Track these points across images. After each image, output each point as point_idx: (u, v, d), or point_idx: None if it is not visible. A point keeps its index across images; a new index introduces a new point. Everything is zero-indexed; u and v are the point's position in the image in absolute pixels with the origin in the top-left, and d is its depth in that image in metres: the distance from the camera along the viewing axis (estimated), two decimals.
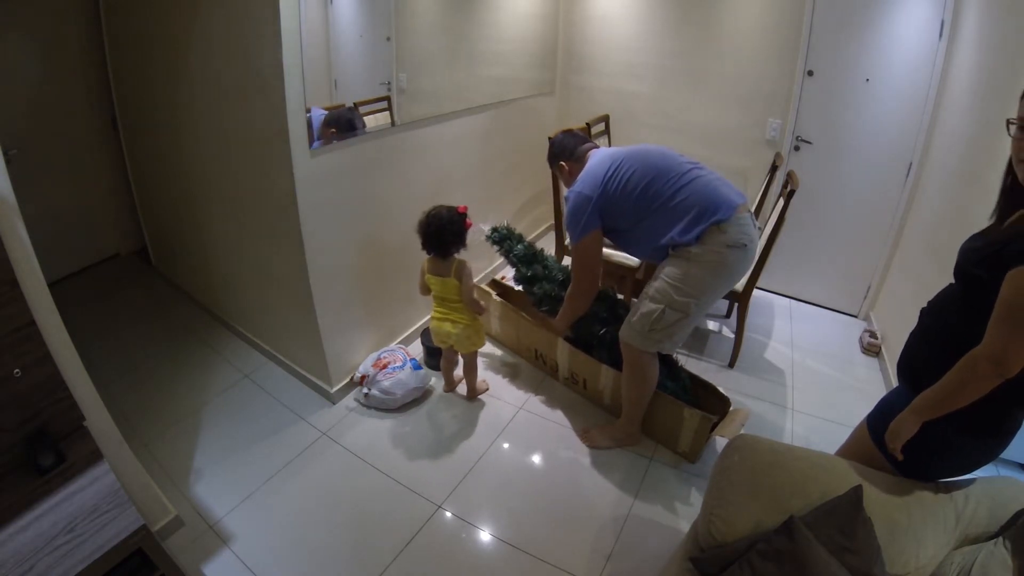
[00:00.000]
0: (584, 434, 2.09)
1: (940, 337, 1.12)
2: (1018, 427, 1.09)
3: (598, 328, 2.11)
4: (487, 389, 2.34)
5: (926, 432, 1.08)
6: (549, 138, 2.07)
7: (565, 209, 1.87)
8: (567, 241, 2.01)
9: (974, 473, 1.19)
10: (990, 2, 2.11)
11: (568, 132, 2.06)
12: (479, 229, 2.18)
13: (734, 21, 2.93)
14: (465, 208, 1.96)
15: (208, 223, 2.49)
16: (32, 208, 1.32)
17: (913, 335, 1.21)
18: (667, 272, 1.73)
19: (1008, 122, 0.99)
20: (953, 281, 1.13)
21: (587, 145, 1.96)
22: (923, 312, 1.20)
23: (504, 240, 2.30)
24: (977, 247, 1.06)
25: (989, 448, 1.12)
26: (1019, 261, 0.91)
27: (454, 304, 2.03)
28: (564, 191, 2.10)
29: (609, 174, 1.76)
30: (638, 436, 2.06)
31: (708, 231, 1.65)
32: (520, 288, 2.33)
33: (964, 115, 2.21)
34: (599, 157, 1.85)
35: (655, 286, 1.75)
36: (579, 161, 1.92)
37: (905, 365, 1.21)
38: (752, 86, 2.95)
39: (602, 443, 2.04)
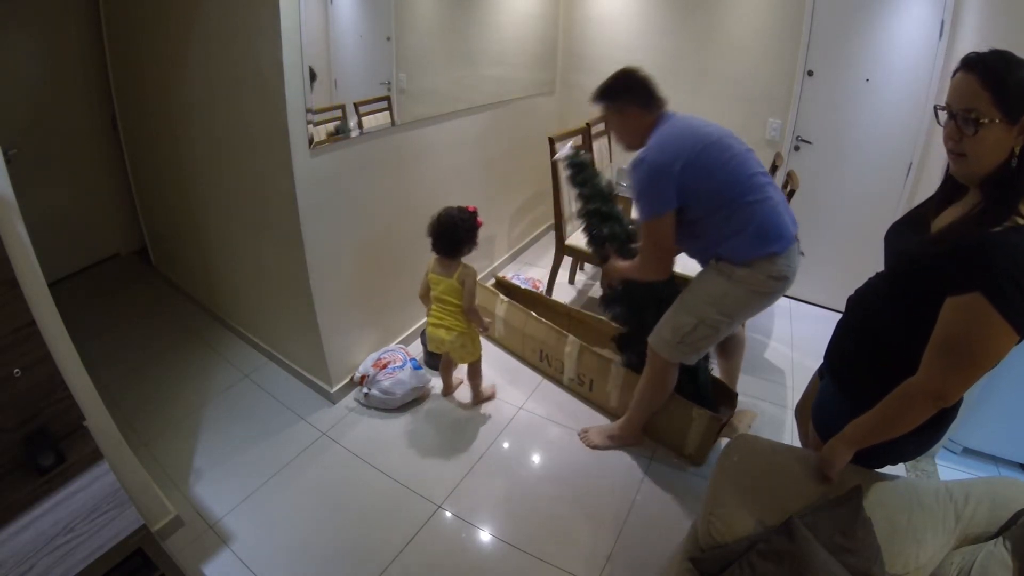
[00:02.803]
0: (583, 434, 2.08)
1: (865, 331, 1.10)
2: (953, 417, 1.07)
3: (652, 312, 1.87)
4: (493, 396, 2.29)
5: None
6: (620, 72, 1.66)
7: (632, 173, 1.55)
8: (634, 215, 1.69)
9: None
10: (990, 2, 2.11)
11: (642, 73, 1.66)
12: (561, 150, 2.01)
13: (734, 21, 2.93)
14: (475, 208, 1.97)
15: (208, 223, 2.49)
16: (32, 208, 1.32)
17: (839, 326, 1.19)
18: (706, 287, 1.65)
19: (936, 108, 0.92)
20: (881, 271, 1.09)
21: (662, 101, 1.63)
22: (849, 301, 1.17)
23: (584, 167, 2.02)
24: (911, 251, 1.00)
25: (930, 437, 1.11)
26: (958, 288, 0.85)
27: (451, 308, 1.98)
28: (621, 158, 1.87)
29: (696, 151, 1.50)
30: (639, 437, 2.05)
31: (760, 258, 1.56)
32: (585, 232, 2.07)
33: None
34: (682, 126, 1.58)
35: (691, 299, 1.68)
36: (651, 114, 1.61)
37: (831, 357, 1.20)
38: (752, 86, 2.95)
39: (600, 443, 2.04)
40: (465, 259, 1.99)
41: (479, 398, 2.25)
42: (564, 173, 2.07)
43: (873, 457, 1.15)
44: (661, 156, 1.50)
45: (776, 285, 1.60)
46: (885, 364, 1.01)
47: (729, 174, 1.52)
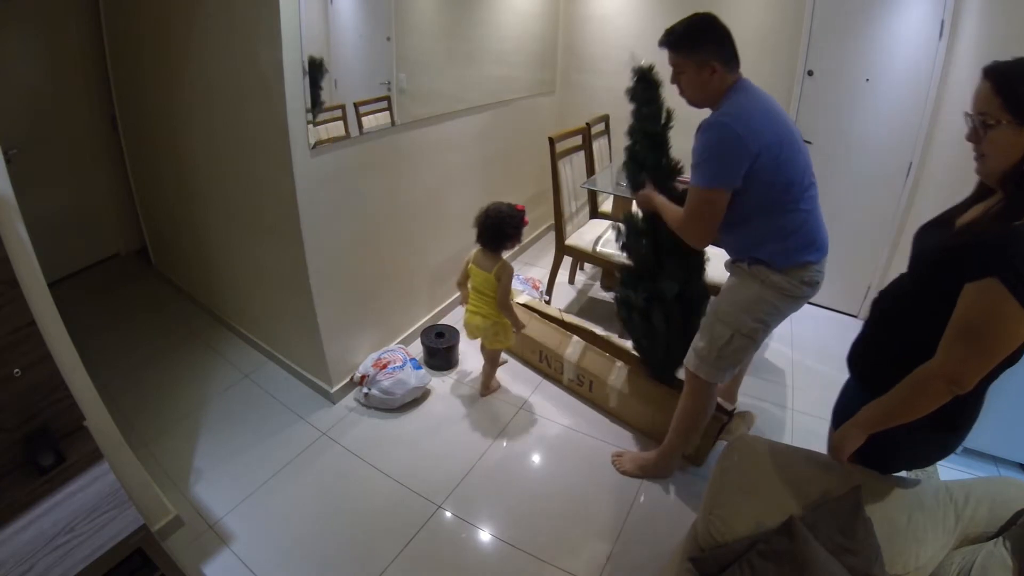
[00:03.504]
0: (616, 458, 1.96)
1: (888, 331, 1.11)
2: (975, 416, 1.07)
3: (668, 284, 1.78)
4: (497, 388, 2.34)
5: (879, 433, 1.06)
6: (701, 17, 1.47)
7: (706, 133, 1.39)
8: (689, 179, 1.49)
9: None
10: (990, 2, 2.11)
11: (723, 23, 1.47)
12: (636, 59, 1.84)
13: (734, 21, 2.89)
14: (523, 207, 2.03)
15: (208, 223, 2.49)
16: (32, 208, 1.32)
17: (865, 326, 1.19)
18: (739, 295, 1.57)
19: (965, 114, 0.95)
20: (906, 271, 1.10)
21: (738, 66, 1.47)
22: (874, 302, 1.18)
23: (655, 86, 1.82)
24: (934, 245, 1.03)
25: (946, 441, 1.11)
26: (976, 274, 0.87)
27: (487, 298, 2.06)
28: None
29: (779, 142, 1.38)
30: (672, 469, 1.92)
31: (797, 266, 1.49)
32: (628, 153, 1.88)
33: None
34: (766, 107, 1.43)
35: (724, 309, 1.59)
36: (731, 73, 1.45)
37: (854, 357, 1.20)
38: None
39: (632, 472, 1.92)
40: (510, 263, 2.06)
41: (486, 389, 2.30)
42: (630, 82, 1.83)
43: (889, 461, 1.15)
44: (745, 131, 1.34)
45: (808, 291, 1.54)
46: (908, 360, 1.01)
47: (794, 176, 1.42)
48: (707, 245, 1.59)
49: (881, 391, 1.04)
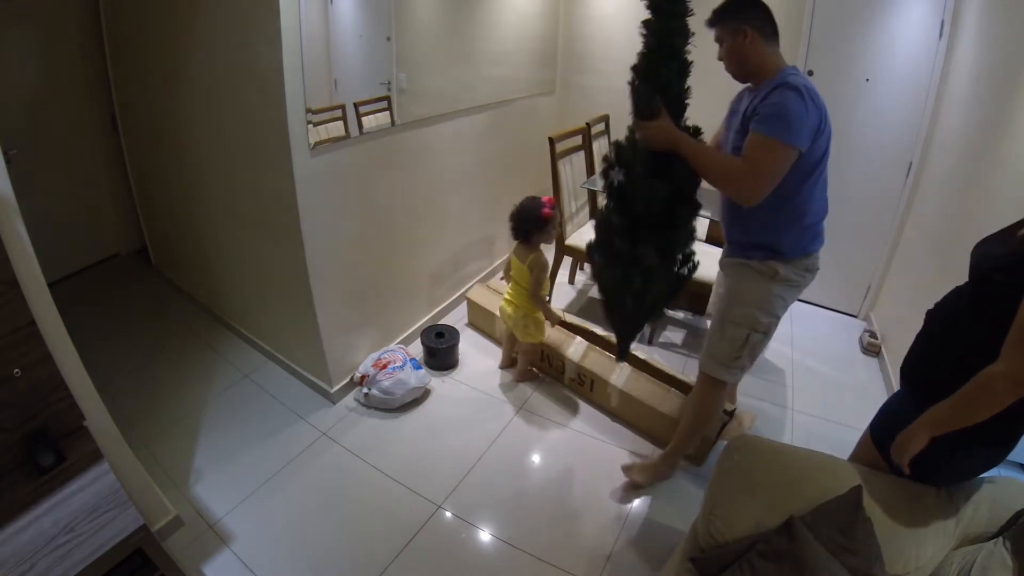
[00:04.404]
0: (626, 470, 1.89)
1: (947, 341, 1.10)
2: (1020, 436, 1.07)
3: (651, 252, 1.52)
4: (536, 376, 2.42)
5: (930, 445, 1.05)
6: None
7: (786, 93, 1.32)
8: (750, 132, 1.36)
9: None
10: (990, 2, 2.11)
11: None
12: None
13: None
14: (550, 199, 2.09)
15: (208, 223, 2.49)
16: (32, 208, 1.32)
17: (919, 338, 1.19)
18: (750, 295, 1.56)
19: None
20: (961, 283, 1.10)
21: (778, 43, 1.45)
22: (929, 314, 1.17)
23: (679, 15, 1.46)
24: (996, 253, 1.02)
25: (992, 457, 1.11)
26: None
27: (522, 289, 2.16)
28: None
29: (830, 129, 1.40)
30: (675, 469, 1.93)
31: (804, 255, 1.53)
32: (636, 72, 1.49)
33: (964, 115, 2.21)
34: (810, 82, 1.38)
35: (737, 310, 1.58)
36: (767, 42, 1.42)
37: (910, 368, 1.19)
38: None
39: (648, 482, 1.88)
40: (545, 256, 2.14)
41: (521, 376, 2.38)
42: None
43: (940, 477, 1.14)
44: (816, 100, 1.35)
45: (810, 277, 1.59)
46: (971, 368, 1.00)
47: (824, 166, 1.46)
48: (756, 202, 1.39)
49: (940, 401, 1.04)
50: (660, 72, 1.46)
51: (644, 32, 1.48)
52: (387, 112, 2.13)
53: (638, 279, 1.57)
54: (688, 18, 1.48)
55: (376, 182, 2.15)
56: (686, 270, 1.66)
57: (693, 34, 1.49)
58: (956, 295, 1.12)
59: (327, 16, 1.77)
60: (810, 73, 2.75)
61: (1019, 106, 1.78)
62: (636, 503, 1.83)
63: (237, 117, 1.93)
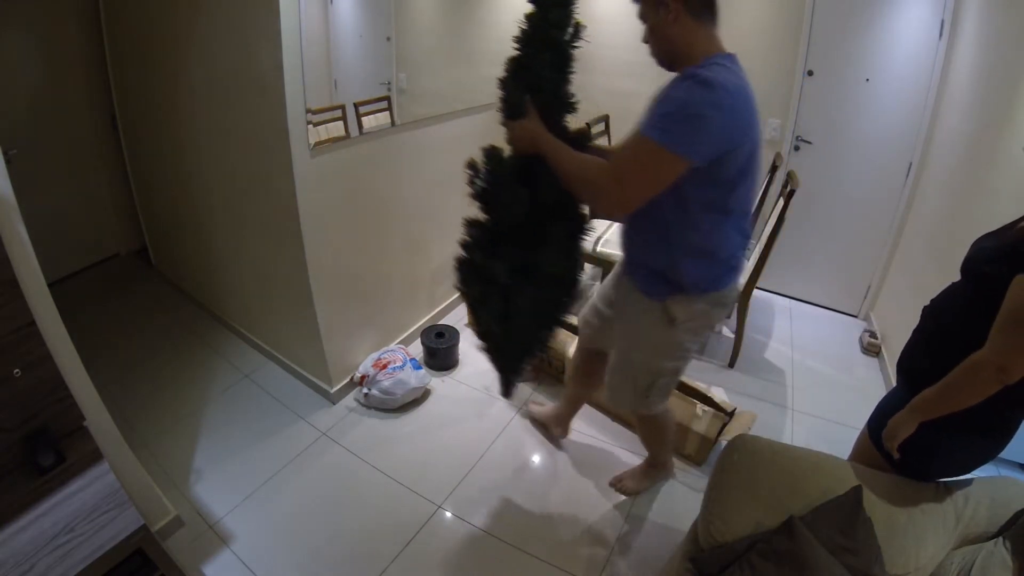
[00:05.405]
0: (616, 483, 1.87)
1: (942, 336, 1.12)
2: (1015, 428, 1.08)
3: (502, 268, 1.32)
4: (536, 377, 2.37)
5: (922, 432, 1.08)
6: None
7: (685, 86, 1.06)
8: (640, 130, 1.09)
9: (972, 473, 1.18)
10: (990, 2, 2.11)
11: None
12: None
13: (734, 21, 2.91)
14: None
15: (208, 223, 2.49)
16: (32, 208, 1.32)
17: (915, 333, 1.21)
18: (651, 340, 1.38)
19: None
20: (955, 280, 1.12)
21: (714, 23, 1.18)
22: (925, 310, 1.19)
23: (561, 4, 1.34)
24: (989, 246, 1.05)
25: (986, 448, 1.12)
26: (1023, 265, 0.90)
27: None
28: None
29: (757, 142, 1.15)
30: (671, 466, 1.90)
31: (716, 292, 1.29)
32: (508, 67, 1.31)
33: (964, 115, 2.21)
34: (751, 94, 1.13)
35: (638, 357, 1.43)
36: (704, 28, 1.16)
37: (905, 363, 1.21)
38: (752, 85, 2.95)
39: (638, 488, 1.86)
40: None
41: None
42: None
43: (930, 466, 1.16)
44: (744, 110, 1.09)
45: (723, 313, 1.37)
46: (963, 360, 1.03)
47: (752, 192, 1.21)
48: (622, 213, 1.22)
49: None
50: (530, 66, 1.28)
51: (522, 24, 1.30)
52: (387, 112, 2.13)
53: (496, 300, 1.35)
54: (572, 11, 1.32)
55: (376, 182, 2.15)
56: (567, 297, 1.43)
57: (584, 27, 1.34)
58: (951, 291, 1.14)
59: (327, 16, 1.77)
60: (810, 73, 2.75)
61: (1019, 106, 1.78)
62: (636, 503, 1.83)
63: (237, 117, 1.93)
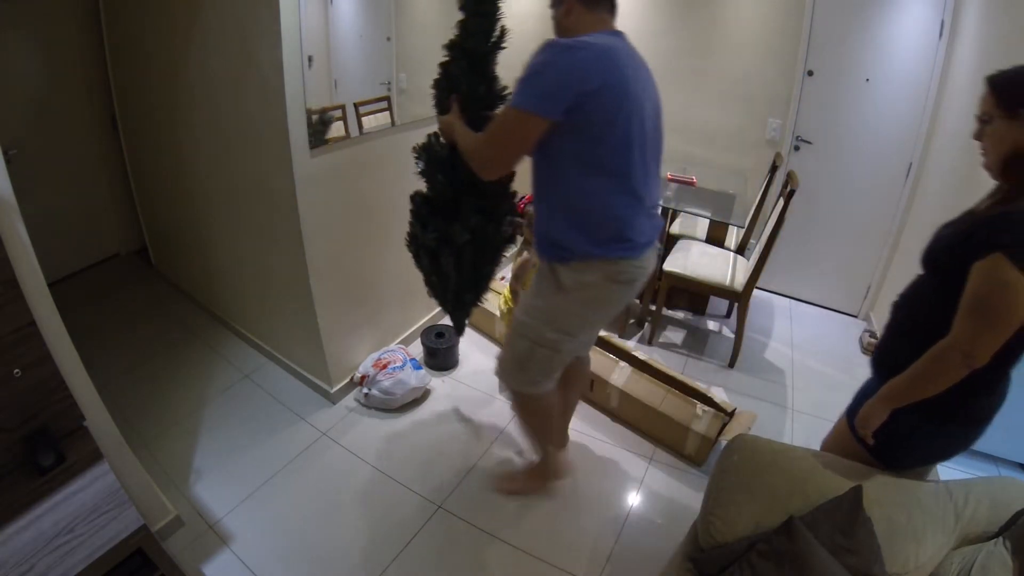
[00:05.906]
0: (498, 483, 1.86)
1: (910, 328, 1.14)
2: (986, 416, 1.10)
3: (459, 229, 1.59)
4: None
5: (893, 420, 1.10)
6: None
7: (541, 52, 1.16)
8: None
9: (953, 463, 1.19)
10: (990, 2, 2.11)
11: None
12: None
13: (734, 21, 2.93)
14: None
15: (208, 223, 2.49)
16: (32, 208, 1.32)
17: (886, 328, 1.23)
18: (536, 302, 1.41)
19: (975, 116, 1.03)
20: (922, 271, 1.14)
21: (607, 10, 1.27)
22: (894, 305, 1.21)
23: (482, 14, 1.53)
24: (946, 234, 1.08)
25: (960, 436, 1.13)
26: (983, 252, 0.93)
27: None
28: None
29: (628, 93, 1.19)
30: (559, 465, 1.83)
31: (601, 259, 1.28)
32: (442, 68, 1.64)
33: (964, 115, 2.21)
34: (631, 56, 1.24)
35: (523, 320, 1.43)
36: (590, 12, 1.25)
37: (878, 359, 1.23)
38: (752, 86, 2.95)
39: (523, 489, 1.84)
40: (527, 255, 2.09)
41: None
42: None
43: (905, 454, 1.17)
44: (588, 58, 1.14)
45: (619, 290, 1.34)
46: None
47: (632, 149, 1.22)
48: (496, 176, 1.36)
49: None
50: (449, 69, 1.59)
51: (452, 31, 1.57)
52: (387, 112, 2.13)
53: (427, 258, 1.72)
54: (494, 18, 1.52)
55: (376, 182, 2.15)
56: (483, 259, 1.71)
57: (502, 33, 1.54)
58: (916, 284, 1.16)
59: (327, 16, 1.77)
60: (810, 73, 2.75)
61: None
62: (636, 503, 1.83)
63: (237, 117, 1.93)
